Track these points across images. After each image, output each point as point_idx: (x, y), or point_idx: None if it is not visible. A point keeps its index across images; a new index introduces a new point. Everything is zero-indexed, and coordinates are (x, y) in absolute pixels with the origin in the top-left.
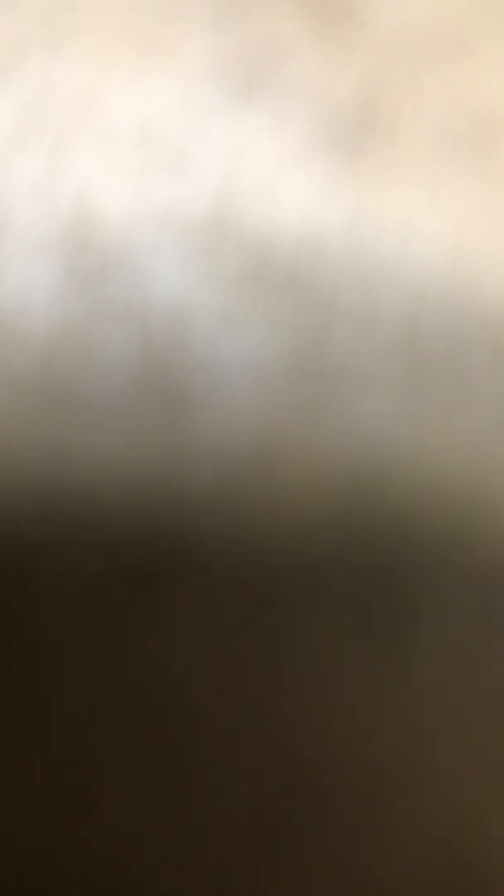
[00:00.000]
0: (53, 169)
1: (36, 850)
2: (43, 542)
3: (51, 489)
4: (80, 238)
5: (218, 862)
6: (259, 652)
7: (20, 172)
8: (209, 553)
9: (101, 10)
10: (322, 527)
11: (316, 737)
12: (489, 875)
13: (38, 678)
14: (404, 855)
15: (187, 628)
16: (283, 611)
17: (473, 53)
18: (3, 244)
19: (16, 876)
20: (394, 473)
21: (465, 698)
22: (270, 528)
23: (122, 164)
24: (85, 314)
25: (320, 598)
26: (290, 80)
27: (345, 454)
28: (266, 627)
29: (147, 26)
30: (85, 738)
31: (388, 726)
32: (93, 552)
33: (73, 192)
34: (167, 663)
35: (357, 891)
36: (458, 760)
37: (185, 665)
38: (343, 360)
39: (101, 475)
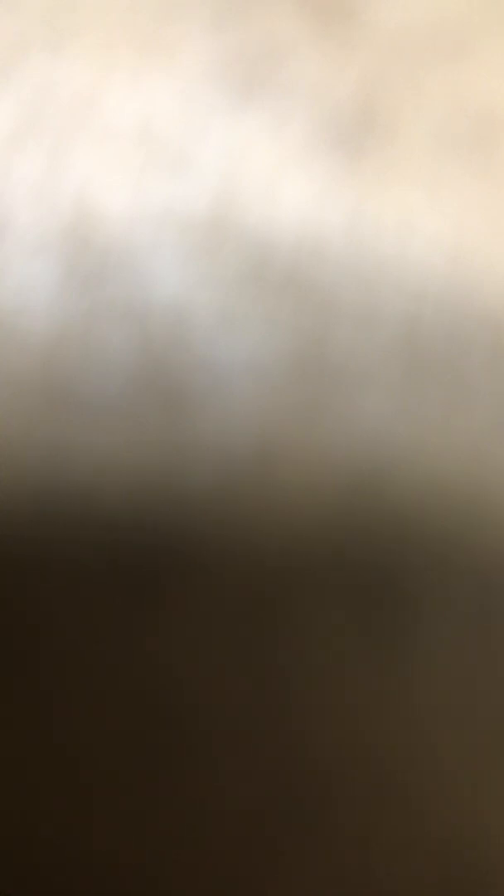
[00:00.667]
0: (53, 169)
1: (36, 850)
2: (43, 542)
3: (51, 489)
4: (80, 238)
5: (218, 862)
6: (259, 652)
7: (20, 172)
8: (209, 553)
9: (101, 10)
10: (322, 527)
11: (316, 736)
12: (489, 875)
13: (38, 678)
14: (404, 855)
15: (187, 628)
16: (282, 611)
17: (473, 53)
18: (3, 244)
19: (16, 876)
20: (394, 473)
21: (465, 698)
22: (270, 528)
23: (122, 164)
24: (85, 314)
25: (320, 598)
26: (290, 80)
27: (345, 454)
28: (266, 627)
29: (147, 26)
30: (85, 737)
31: (388, 726)
32: (93, 552)
33: (73, 192)
34: (167, 663)
35: (357, 891)
36: (458, 760)
37: (185, 665)
38: (343, 360)
39: (101, 475)
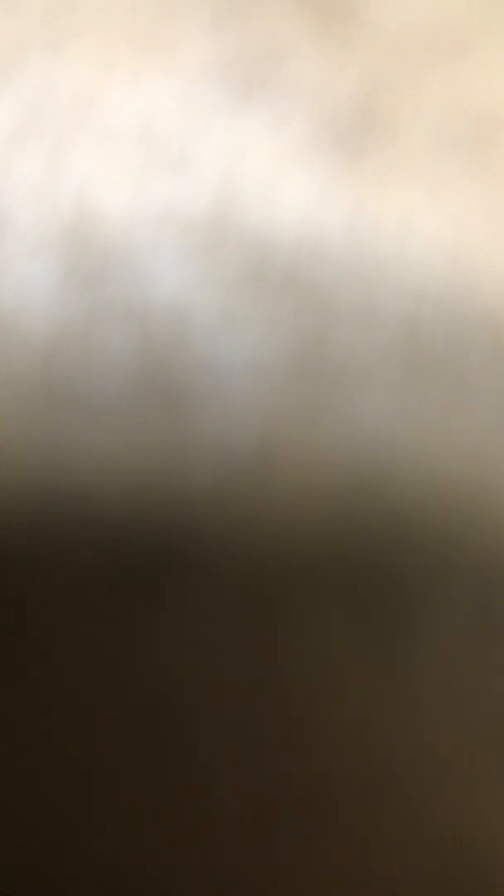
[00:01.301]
0: (53, 169)
1: (36, 851)
2: (43, 542)
3: (51, 489)
4: (80, 238)
5: (218, 861)
6: (259, 651)
7: (20, 172)
8: (209, 553)
9: (101, 10)
10: (322, 527)
11: (316, 736)
12: (489, 875)
13: (39, 678)
14: (404, 855)
15: (187, 628)
16: (282, 611)
17: (473, 53)
18: (3, 244)
19: (16, 876)
20: (394, 473)
21: (465, 698)
22: (270, 528)
23: (122, 164)
24: (85, 314)
25: (320, 598)
26: (290, 80)
27: (345, 454)
28: (266, 627)
29: (147, 26)
30: (85, 738)
31: (387, 726)
32: (93, 552)
33: (73, 192)
34: (167, 663)
35: (357, 891)
36: (458, 760)
37: (185, 665)
38: (343, 360)
39: (101, 475)
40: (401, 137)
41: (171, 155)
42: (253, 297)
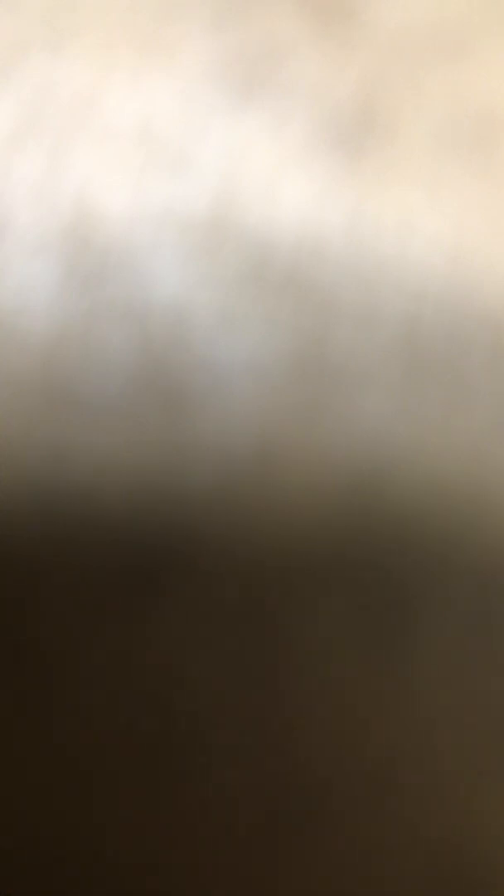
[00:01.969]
0: (53, 169)
1: (36, 851)
2: (43, 542)
3: (51, 489)
4: (80, 238)
5: (217, 861)
6: (259, 651)
7: (20, 172)
8: (209, 553)
9: (101, 10)
10: (322, 527)
11: (316, 737)
12: (489, 875)
13: (39, 678)
14: (404, 855)
15: (187, 628)
16: (282, 611)
17: (473, 53)
18: (3, 244)
19: (16, 876)
20: (394, 473)
21: (465, 698)
22: (270, 528)
23: (122, 164)
24: (85, 314)
25: (320, 598)
26: (290, 80)
27: (345, 454)
28: (266, 627)
29: (147, 26)
30: (85, 737)
31: (387, 726)
32: (93, 552)
33: (73, 192)
34: (167, 663)
35: (357, 891)
36: (458, 760)
37: (185, 665)
38: (343, 360)
39: (101, 475)
40: (401, 137)
41: (171, 155)
42: (253, 297)
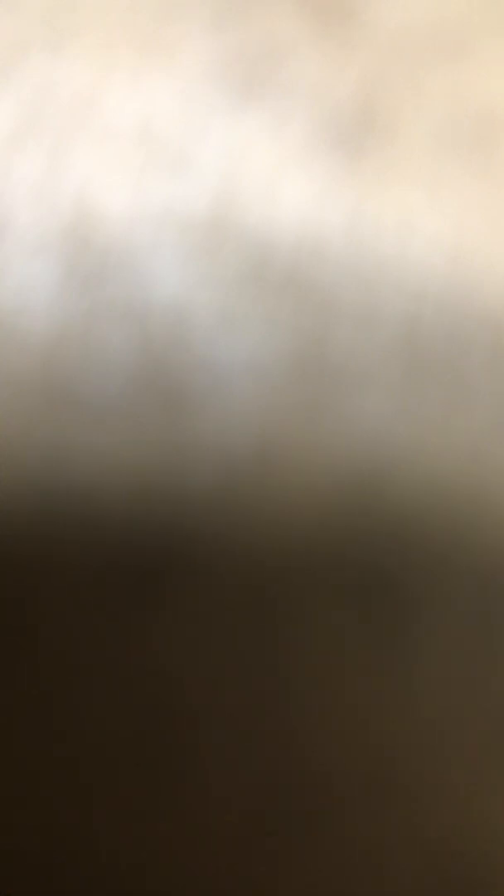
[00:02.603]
0: (53, 169)
1: (36, 851)
2: (43, 542)
3: (51, 489)
4: (80, 238)
5: (218, 861)
6: (259, 652)
7: (20, 172)
8: (209, 553)
9: (101, 10)
10: (322, 527)
11: (316, 737)
12: (490, 875)
13: (39, 678)
14: (404, 855)
15: (187, 628)
16: (283, 611)
17: (473, 53)
18: (3, 244)
19: (15, 876)
20: (394, 473)
21: (466, 698)
22: (270, 528)
23: (122, 164)
24: (85, 314)
25: (320, 598)
26: (290, 80)
27: (345, 454)
28: (266, 627)
29: (147, 26)
30: (85, 737)
31: (387, 726)
32: (93, 552)
33: (73, 192)
34: (167, 663)
35: (357, 891)
36: (458, 760)
37: (185, 665)
38: (343, 360)
39: (101, 475)
40: (401, 137)
41: (171, 155)
42: (253, 297)
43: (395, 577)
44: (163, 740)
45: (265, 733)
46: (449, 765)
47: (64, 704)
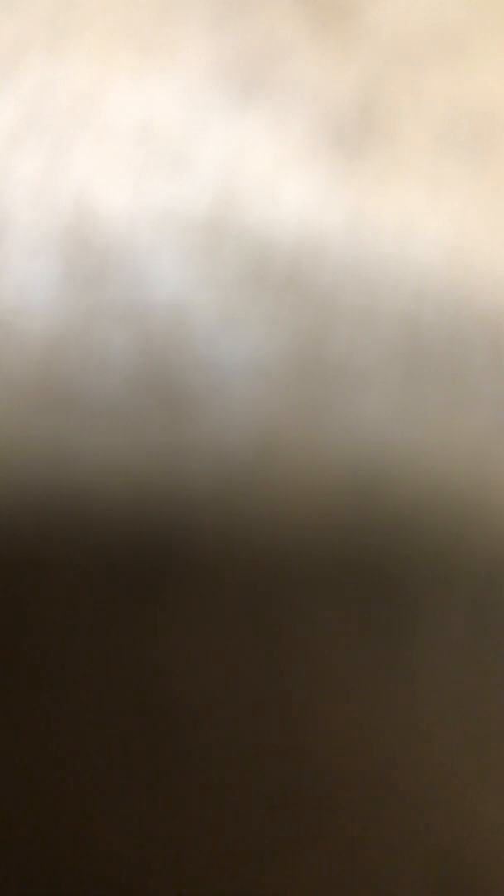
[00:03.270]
0: (53, 169)
1: (35, 851)
2: (43, 542)
3: (51, 489)
4: (80, 238)
5: (217, 862)
6: (259, 652)
7: (20, 172)
8: (209, 553)
9: (101, 10)
10: (322, 527)
11: (315, 737)
12: (489, 875)
13: (38, 677)
14: (404, 855)
15: (187, 628)
16: (282, 611)
17: (473, 53)
18: (3, 244)
19: (14, 876)
20: (394, 473)
21: (465, 698)
22: (270, 527)
23: (122, 164)
24: (85, 314)
25: (320, 598)
26: (290, 80)
27: (345, 454)
28: (266, 627)
29: (147, 26)
30: (85, 737)
31: (387, 726)
32: (93, 552)
33: (73, 192)
34: (167, 663)
35: (356, 891)
36: (458, 760)
37: (185, 665)
38: (343, 360)
39: (101, 475)
40: (401, 137)
41: (171, 155)
42: (253, 297)
43: (395, 577)
44: (162, 740)
45: (265, 733)
46: (449, 766)
47: (63, 704)
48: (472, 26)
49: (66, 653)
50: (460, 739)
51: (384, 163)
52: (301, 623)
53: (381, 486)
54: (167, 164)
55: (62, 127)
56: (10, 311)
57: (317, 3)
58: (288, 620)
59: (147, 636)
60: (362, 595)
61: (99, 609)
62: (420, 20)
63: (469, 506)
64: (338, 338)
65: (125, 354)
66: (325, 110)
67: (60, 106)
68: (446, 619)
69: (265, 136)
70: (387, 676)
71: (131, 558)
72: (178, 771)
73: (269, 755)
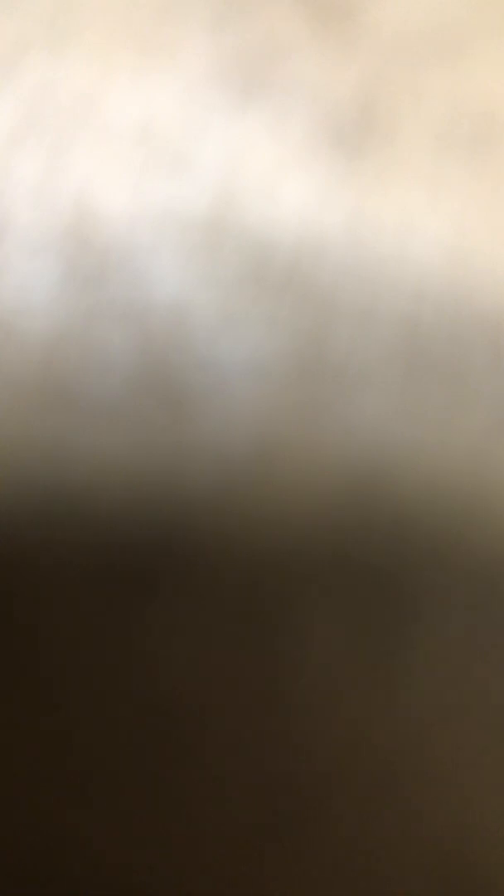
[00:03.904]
0: (53, 169)
1: (34, 851)
2: (42, 542)
3: (51, 489)
4: (80, 238)
5: (216, 862)
6: (258, 651)
7: (20, 172)
8: (209, 553)
9: (101, 10)
10: (322, 527)
11: (315, 737)
12: (489, 875)
13: (38, 677)
14: (404, 855)
15: (187, 628)
16: (282, 611)
17: (473, 53)
18: (3, 244)
19: (13, 875)
20: (394, 473)
21: (465, 698)
22: (270, 527)
23: (122, 164)
24: (85, 314)
25: (320, 598)
26: (290, 80)
27: (345, 454)
28: (265, 627)
29: (147, 26)
30: (84, 737)
31: (387, 726)
32: (92, 552)
33: (73, 192)
34: (166, 663)
35: (356, 891)
36: (458, 760)
37: (185, 664)
38: (343, 360)
39: (100, 475)
40: (401, 137)
41: (171, 155)
42: (253, 297)
43: (394, 577)
44: (162, 740)
45: (264, 733)
46: (449, 765)
47: (62, 704)
48: (472, 26)
49: (65, 652)
50: (460, 739)
51: (384, 163)
52: (300, 623)
53: (381, 486)
54: (167, 164)
55: (62, 127)
56: (10, 311)
57: (317, 3)
58: (287, 620)
59: (146, 636)
60: (361, 595)
61: (99, 609)
62: (420, 20)
63: (469, 506)
64: (338, 338)
65: (125, 354)
66: (325, 110)
67: (60, 106)
68: (446, 618)
69: (265, 136)
70: (386, 676)
71: (131, 558)
72: (178, 770)
73: (268, 755)
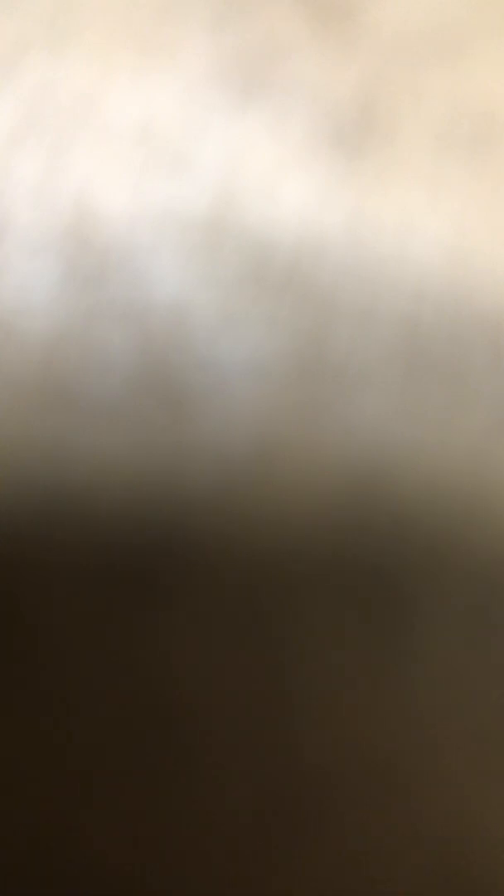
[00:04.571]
0: (53, 169)
1: (34, 852)
2: (42, 542)
3: (50, 489)
4: (80, 238)
5: (217, 862)
6: (258, 651)
7: (20, 172)
8: (209, 553)
9: (101, 10)
10: (322, 527)
11: (315, 736)
12: (489, 875)
13: (38, 677)
14: (404, 856)
15: (187, 628)
16: (282, 611)
17: (473, 53)
18: (3, 244)
19: (13, 875)
20: (394, 473)
21: (465, 698)
22: (270, 528)
23: (122, 164)
24: (85, 314)
25: (319, 598)
26: (290, 80)
27: (345, 454)
28: (266, 627)
29: (147, 26)
30: (84, 738)
31: (388, 725)
32: (92, 552)
33: (73, 192)
34: (166, 662)
35: (357, 891)
36: (458, 760)
37: (185, 665)
38: (343, 360)
39: (100, 475)
40: (401, 137)
41: (171, 155)
42: (253, 297)
43: (394, 577)
44: (162, 739)
45: (265, 732)
46: (449, 764)
47: (62, 704)
48: (472, 26)
49: (66, 652)
50: (460, 738)
51: (384, 163)
52: (301, 623)
53: (381, 486)
54: (167, 164)
55: (62, 127)
56: (10, 311)
57: (317, 3)
58: (288, 620)
59: (147, 636)
60: (362, 595)
61: (99, 609)
62: (420, 20)
63: (469, 506)
64: (338, 338)
65: (125, 354)
66: (325, 110)
67: (60, 106)
68: (446, 618)
69: (265, 136)
70: (386, 676)
71: (131, 558)
72: (178, 770)
73: (268, 754)
